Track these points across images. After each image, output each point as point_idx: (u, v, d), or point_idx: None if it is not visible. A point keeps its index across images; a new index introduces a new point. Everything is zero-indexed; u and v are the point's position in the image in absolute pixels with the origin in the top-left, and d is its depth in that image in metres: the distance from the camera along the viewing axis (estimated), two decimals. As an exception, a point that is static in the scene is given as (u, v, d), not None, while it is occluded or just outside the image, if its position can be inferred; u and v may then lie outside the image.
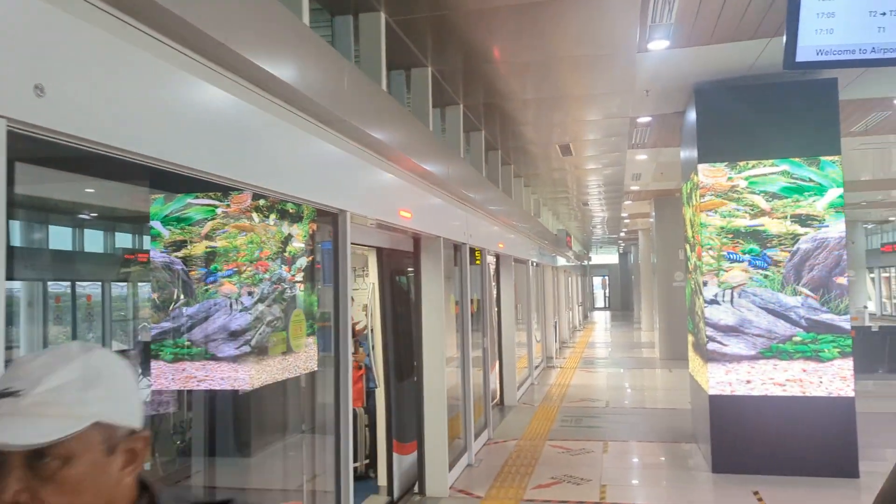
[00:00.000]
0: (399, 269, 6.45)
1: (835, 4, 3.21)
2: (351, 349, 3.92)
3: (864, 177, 13.76)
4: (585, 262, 38.44)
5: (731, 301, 6.46)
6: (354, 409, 6.73)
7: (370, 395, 6.16)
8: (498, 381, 10.42)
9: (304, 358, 4.00)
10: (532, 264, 12.82)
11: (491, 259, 10.62)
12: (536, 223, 12.99)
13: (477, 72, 6.01)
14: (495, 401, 10.31)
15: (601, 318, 35.45)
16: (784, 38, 3.34)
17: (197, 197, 3.81)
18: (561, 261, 20.36)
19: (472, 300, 7.94)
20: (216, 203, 3.77)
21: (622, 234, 29.29)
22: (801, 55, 3.29)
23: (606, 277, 45.15)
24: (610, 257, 44.71)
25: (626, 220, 22.57)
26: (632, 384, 12.59)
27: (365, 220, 4.49)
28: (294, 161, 3.31)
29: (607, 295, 45.33)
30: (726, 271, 6.49)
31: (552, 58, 5.66)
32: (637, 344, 20.70)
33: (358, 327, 8.65)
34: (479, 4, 4.47)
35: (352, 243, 5.58)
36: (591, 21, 4.85)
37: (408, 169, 5.09)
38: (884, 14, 3.17)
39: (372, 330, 6.16)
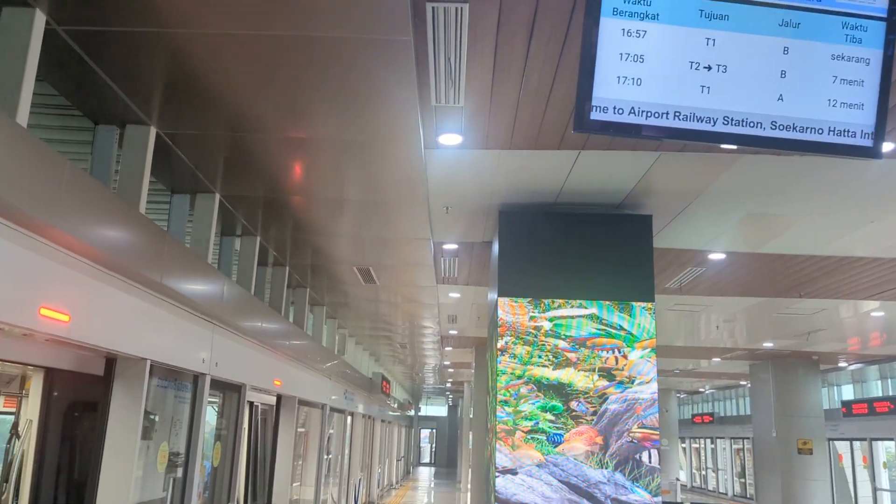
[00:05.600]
0: (85, 402, 4.56)
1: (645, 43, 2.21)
2: None
3: (678, 343, 13.65)
4: (411, 413, 36.66)
5: (529, 472, 5.12)
6: None
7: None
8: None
9: None
10: (326, 409, 11.01)
11: (269, 399, 8.77)
12: (341, 362, 11.35)
13: (233, 144, 4.62)
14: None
15: (425, 475, 33.16)
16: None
17: None
18: (375, 408, 18.56)
19: (215, 450, 6.03)
20: None
21: (448, 385, 28.22)
22: (598, 112, 2.21)
23: (434, 431, 43.30)
24: (440, 409, 43.21)
25: (450, 370, 21.49)
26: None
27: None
28: None
29: (434, 450, 43.24)
30: (523, 432, 5.20)
31: (324, 139, 4.42)
32: (452, 508, 18.84)
33: None
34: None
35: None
36: (368, 103, 3.70)
37: (69, 248, 3.40)
38: (708, 68, 2.20)
39: (18, 492, 4.12)
